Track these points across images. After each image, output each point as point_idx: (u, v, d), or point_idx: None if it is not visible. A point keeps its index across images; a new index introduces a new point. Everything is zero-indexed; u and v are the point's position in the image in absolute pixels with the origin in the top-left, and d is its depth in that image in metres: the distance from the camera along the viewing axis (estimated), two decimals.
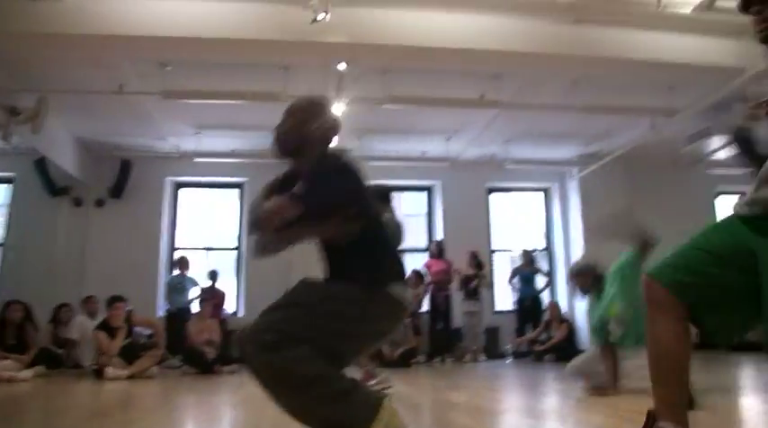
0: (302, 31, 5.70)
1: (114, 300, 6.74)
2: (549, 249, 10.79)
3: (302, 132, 2.35)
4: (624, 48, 6.45)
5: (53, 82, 6.95)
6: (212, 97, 7.03)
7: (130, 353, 6.55)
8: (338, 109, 7.33)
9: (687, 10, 5.93)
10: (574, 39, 6.34)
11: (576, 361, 4.67)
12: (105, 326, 6.63)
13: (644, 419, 1.85)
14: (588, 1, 5.89)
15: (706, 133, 8.49)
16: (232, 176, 9.97)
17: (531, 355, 8.75)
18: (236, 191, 10.26)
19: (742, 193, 3.95)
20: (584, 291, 4.74)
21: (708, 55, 6.63)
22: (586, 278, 4.71)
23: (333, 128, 2.43)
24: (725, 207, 11.09)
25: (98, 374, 6.31)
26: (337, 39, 5.81)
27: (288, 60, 6.75)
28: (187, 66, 6.74)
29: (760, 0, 1.86)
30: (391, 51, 6.19)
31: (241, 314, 9.42)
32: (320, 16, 5.43)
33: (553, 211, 10.87)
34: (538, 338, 8.81)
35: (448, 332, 8.87)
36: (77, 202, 9.34)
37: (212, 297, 8.49)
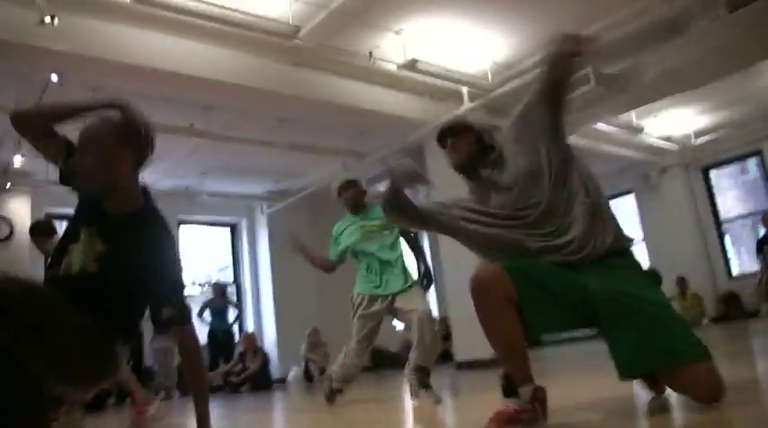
0: (21, 33, 5.11)
1: None
2: (237, 283, 10.92)
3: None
4: (334, 93, 7.06)
5: None
6: None
7: None
8: None
9: (393, 67, 6.76)
10: (290, 79, 6.70)
11: None
12: None
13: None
14: (309, 46, 6.31)
15: (383, 177, 9.62)
16: None
17: (225, 388, 8.72)
18: None
19: None
20: None
21: (399, 107, 7.64)
22: None
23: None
24: None
25: None
26: (57, 46, 5.28)
27: None
28: None
29: (452, 133, 2.55)
30: (111, 67, 5.79)
31: None
32: (47, 19, 4.94)
33: (241, 246, 11.06)
34: (232, 370, 8.83)
35: (139, 369, 8.35)
36: None
37: None
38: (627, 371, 2.15)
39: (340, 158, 8.93)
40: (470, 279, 2.20)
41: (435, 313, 12.07)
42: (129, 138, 2.14)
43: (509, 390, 2.21)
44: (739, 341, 6.29)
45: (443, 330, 10.83)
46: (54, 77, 5.84)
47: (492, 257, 2.36)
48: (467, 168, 2.56)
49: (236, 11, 5.31)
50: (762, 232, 10.07)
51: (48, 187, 8.75)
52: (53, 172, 7.20)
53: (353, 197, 4.63)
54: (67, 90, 6.06)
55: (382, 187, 2.35)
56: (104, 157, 2.08)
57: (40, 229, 4.95)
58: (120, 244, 2.10)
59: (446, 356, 10.30)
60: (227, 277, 10.87)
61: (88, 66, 5.75)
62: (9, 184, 8.70)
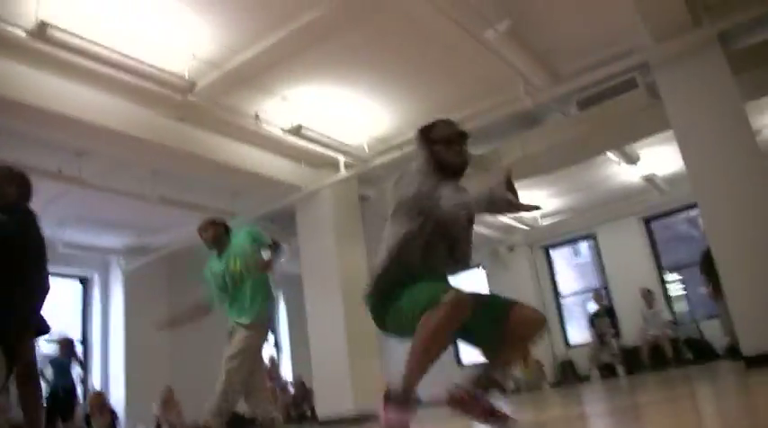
0: None
1: None
2: (85, 339, 10.28)
3: None
4: (215, 151, 7.18)
5: None
6: None
7: None
8: None
9: (277, 130, 7.00)
10: (173, 133, 6.75)
11: None
12: None
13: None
14: (198, 103, 6.39)
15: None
16: None
17: None
18: None
19: None
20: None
21: (276, 171, 7.86)
22: None
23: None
24: None
25: None
26: None
27: None
28: None
29: (466, 139, 2.92)
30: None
31: None
32: None
33: (92, 301, 10.48)
34: None
35: None
36: None
37: None
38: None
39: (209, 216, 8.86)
40: (458, 298, 2.46)
41: (289, 374, 12.10)
42: None
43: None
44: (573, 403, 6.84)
45: (301, 391, 10.84)
46: None
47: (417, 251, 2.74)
48: (460, 171, 2.86)
49: (134, 59, 5.33)
50: (593, 307, 11.34)
51: None
52: None
53: (214, 237, 4.79)
54: None
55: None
56: None
57: None
58: None
59: (304, 417, 10.29)
60: (74, 333, 10.22)
61: None
62: None
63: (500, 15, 5.61)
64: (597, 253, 12.41)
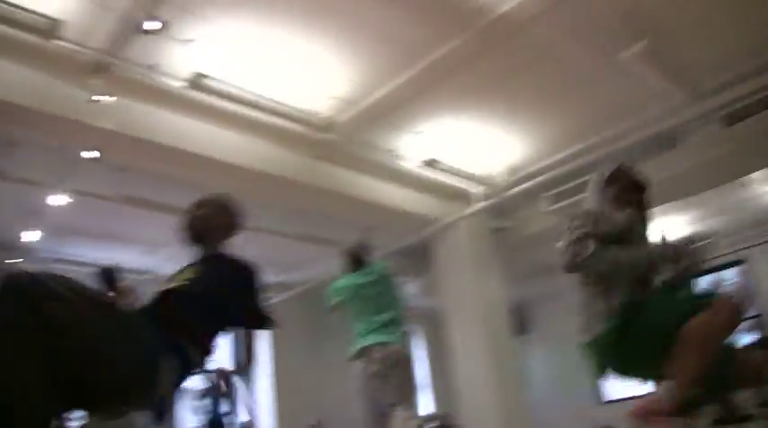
0: (69, 108, 5.38)
1: None
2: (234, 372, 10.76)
3: (208, 224, 2.68)
4: (351, 187, 7.38)
5: None
6: None
7: None
8: (59, 200, 6.79)
9: (411, 165, 7.10)
10: (311, 171, 6.97)
11: None
12: None
13: None
14: (334, 141, 6.63)
15: None
16: None
17: None
18: None
19: None
20: None
21: (411, 205, 7.96)
22: None
23: (235, 229, 2.78)
24: None
25: None
26: (105, 124, 5.54)
27: (17, 136, 6.10)
28: None
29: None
30: (144, 147, 6.00)
31: None
32: (99, 97, 5.21)
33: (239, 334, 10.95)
34: None
35: None
36: None
37: None
38: None
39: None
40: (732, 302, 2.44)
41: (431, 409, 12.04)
42: None
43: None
44: None
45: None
46: (91, 154, 6.03)
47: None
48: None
49: (276, 101, 5.63)
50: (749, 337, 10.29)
51: (50, 265, 8.82)
52: (60, 250, 7.25)
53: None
54: (99, 168, 6.30)
55: None
56: None
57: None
58: None
59: None
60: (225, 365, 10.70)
61: (123, 145, 5.98)
62: (19, 261, 8.70)
63: (634, 35, 5.44)
64: (749, 278, 11.41)
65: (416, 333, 13.41)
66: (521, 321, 10.90)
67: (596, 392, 11.74)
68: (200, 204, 2.72)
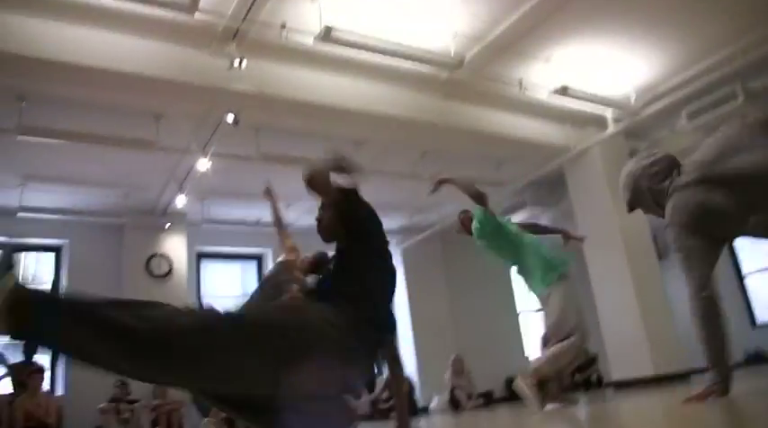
0: (210, 76, 5.64)
1: None
2: None
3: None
4: (481, 123, 7.32)
5: None
6: (80, 139, 6.39)
7: None
8: (203, 165, 7.18)
9: (541, 95, 6.91)
10: (441, 111, 7.02)
11: None
12: None
13: None
14: (462, 78, 6.57)
15: (519, 206, 9.68)
16: (52, 238, 8.98)
17: (375, 416, 8.88)
18: (52, 255, 9.21)
19: None
20: None
21: (543, 135, 7.79)
22: None
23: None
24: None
25: None
26: (243, 87, 5.77)
27: (163, 107, 6.48)
28: (47, 103, 6.11)
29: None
30: (280, 105, 6.22)
31: (59, 392, 8.26)
32: (236, 63, 5.42)
33: None
34: (379, 398, 9.00)
35: None
36: None
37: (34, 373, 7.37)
38: None
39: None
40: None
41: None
42: None
43: None
44: None
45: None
46: (230, 118, 6.32)
47: None
48: None
49: (405, 46, 5.62)
50: None
51: (200, 227, 9.39)
52: (206, 212, 7.79)
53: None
54: (238, 130, 6.58)
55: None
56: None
57: None
58: None
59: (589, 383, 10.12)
60: None
61: (259, 105, 6.21)
62: (168, 224, 9.35)
63: None
64: None
65: None
66: (660, 246, 10.54)
67: (747, 316, 11.28)
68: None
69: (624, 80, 7.15)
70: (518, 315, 12.22)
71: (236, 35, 5.46)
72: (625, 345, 7.45)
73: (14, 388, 7.46)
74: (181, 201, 8.46)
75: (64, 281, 8.99)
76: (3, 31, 4.95)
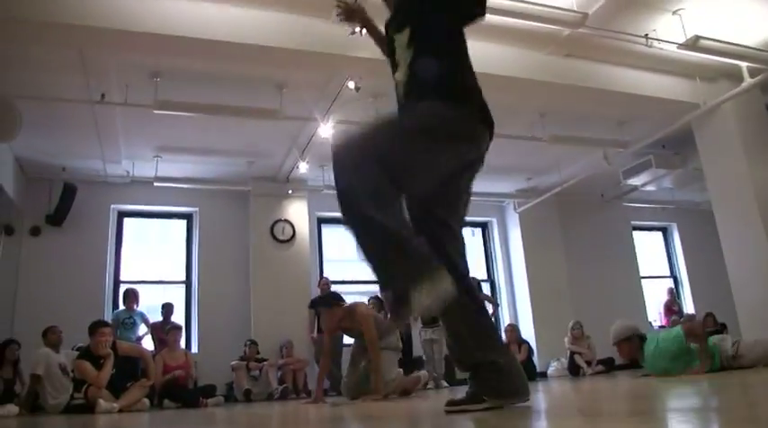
0: (331, 44, 5.75)
1: (98, 326, 6.13)
2: (491, 279, 11.16)
3: None
4: (603, 80, 7.04)
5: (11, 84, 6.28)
6: (210, 111, 6.72)
7: (119, 384, 5.98)
8: (325, 132, 7.34)
9: (670, 49, 6.54)
10: (561, 69, 6.81)
11: None
12: (89, 356, 5.99)
13: None
14: (584, 35, 6.31)
15: (644, 167, 9.27)
16: (183, 206, 9.54)
17: None
18: (183, 223, 9.79)
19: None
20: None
21: (670, 91, 7.40)
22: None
23: None
24: (640, 239, 12.10)
25: (87, 408, 5.67)
26: (362, 54, 5.83)
27: (285, 77, 6.68)
28: (178, 78, 6.46)
29: None
30: None
31: (194, 350, 8.85)
32: (357, 29, 5.46)
33: (493, 244, 11.30)
34: None
35: (409, 359, 8.83)
36: (8, 231, 8.41)
37: (173, 330, 7.93)
38: None
39: (600, 151, 8.78)
40: None
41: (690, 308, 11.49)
42: None
43: None
44: None
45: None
46: (350, 84, 6.43)
47: None
48: None
49: (522, 2, 5.46)
50: None
51: (320, 193, 9.64)
52: (327, 178, 7.99)
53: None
54: (357, 97, 6.68)
55: None
56: None
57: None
58: None
59: None
60: (481, 275, 11.11)
61: (379, 71, 6.23)
62: (290, 191, 9.68)
63: None
64: None
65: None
66: None
67: None
68: None
69: (761, 27, 6.64)
70: (640, 279, 11.79)
71: (358, 1, 5.49)
72: (760, 312, 7.04)
73: (155, 346, 8.07)
74: (303, 168, 8.73)
75: (195, 245, 9.55)
76: (139, 12, 5.25)
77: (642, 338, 5.25)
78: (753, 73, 7.07)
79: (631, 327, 5.36)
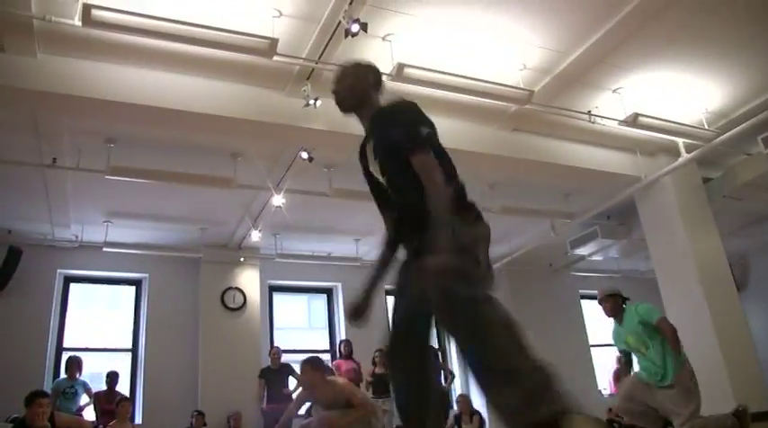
0: (286, 116, 5.88)
1: (35, 396, 5.85)
2: (442, 350, 11.12)
3: (361, 86, 2.62)
4: (550, 154, 7.32)
5: None
6: (163, 178, 6.72)
7: None
8: (277, 201, 7.41)
9: (611, 125, 6.87)
10: (508, 143, 7.08)
11: None
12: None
13: None
14: (529, 111, 6.59)
15: (590, 238, 9.54)
16: (133, 271, 9.38)
17: None
18: (132, 289, 9.61)
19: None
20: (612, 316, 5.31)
21: (613, 165, 7.73)
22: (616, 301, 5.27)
23: (380, 77, 2.70)
24: (588, 308, 12.30)
25: None
26: (316, 126, 5.97)
27: (240, 146, 6.76)
28: (132, 144, 6.48)
29: None
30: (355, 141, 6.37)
31: (138, 421, 8.55)
32: (311, 102, 5.62)
33: None
34: None
35: None
36: None
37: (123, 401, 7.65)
38: None
39: (547, 221, 9.05)
40: None
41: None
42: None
43: None
44: None
45: None
46: (304, 154, 6.55)
47: None
48: None
49: (478, 80, 5.70)
50: None
51: (272, 261, 9.64)
52: (279, 247, 8.03)
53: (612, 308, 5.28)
54: (311, 167, 6.80)
55: None
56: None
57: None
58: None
59: None
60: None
61: (331, 143, 6.38)
62: (242, 258, 9.64)
63: None
64: None
65: None
66: (738, 276, 10.19)
67: None
68: (339, 79, 2.65)
69: (696, 106, 7.04)
70: (590, 348, 11.93)
71: (311, 76, 5.66)
72: (703, 383, 7.18)
73: (97, 417, 7.78)
74: (255, 236, 8.74)
75: (144, 312, 9.36)
76: (95, 79, 5.31)
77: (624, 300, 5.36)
78: (689, 148, 7.45)
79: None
